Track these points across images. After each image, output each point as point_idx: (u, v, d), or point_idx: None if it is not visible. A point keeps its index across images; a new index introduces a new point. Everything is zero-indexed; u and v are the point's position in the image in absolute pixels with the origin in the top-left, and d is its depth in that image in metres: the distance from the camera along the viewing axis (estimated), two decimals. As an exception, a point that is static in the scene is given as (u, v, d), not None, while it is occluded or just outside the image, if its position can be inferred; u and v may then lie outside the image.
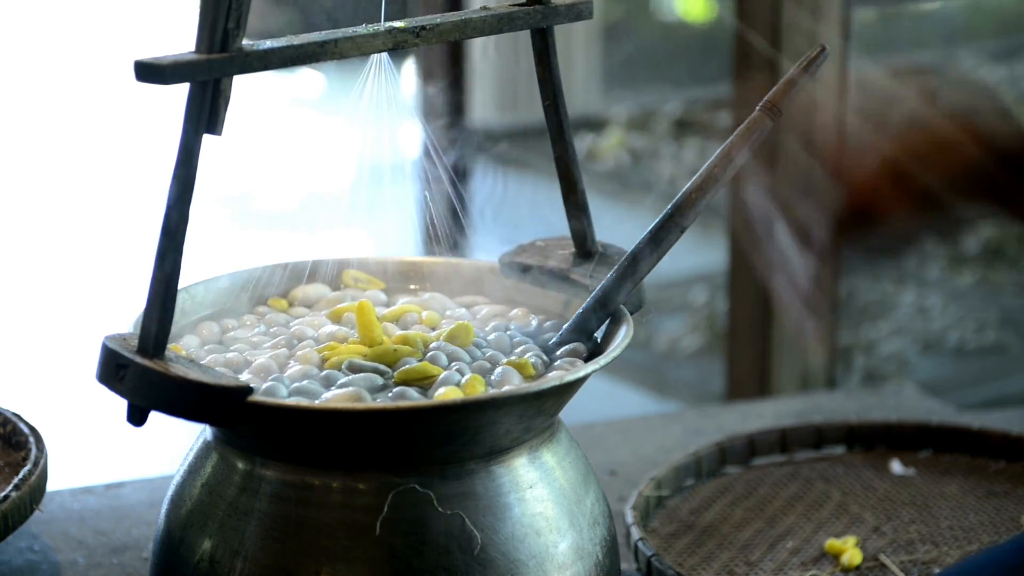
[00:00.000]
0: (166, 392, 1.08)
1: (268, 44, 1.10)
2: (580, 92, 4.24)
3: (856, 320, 3.64)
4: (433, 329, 1.26)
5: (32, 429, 1.45)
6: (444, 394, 1.14)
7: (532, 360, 1.19)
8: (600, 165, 3.84)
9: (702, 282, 3.78)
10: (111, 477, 1.65)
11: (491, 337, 1.24)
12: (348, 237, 1.34)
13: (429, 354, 1.20)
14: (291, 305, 1.32)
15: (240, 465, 1.15)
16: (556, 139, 1.29)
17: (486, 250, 1.34)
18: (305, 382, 1.16)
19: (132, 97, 5.65)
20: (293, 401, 1.13)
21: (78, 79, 6.50)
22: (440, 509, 1.11)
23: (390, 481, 1.11)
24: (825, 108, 1.12)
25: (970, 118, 1.15)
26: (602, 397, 3.22)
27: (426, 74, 3.43)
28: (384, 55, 1.20)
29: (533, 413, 1.14)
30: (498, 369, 1.18)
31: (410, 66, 3.62)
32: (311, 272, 1.34)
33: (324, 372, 1.18)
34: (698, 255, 3.66)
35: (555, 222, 1.33)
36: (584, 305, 1.23)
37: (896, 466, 1.61)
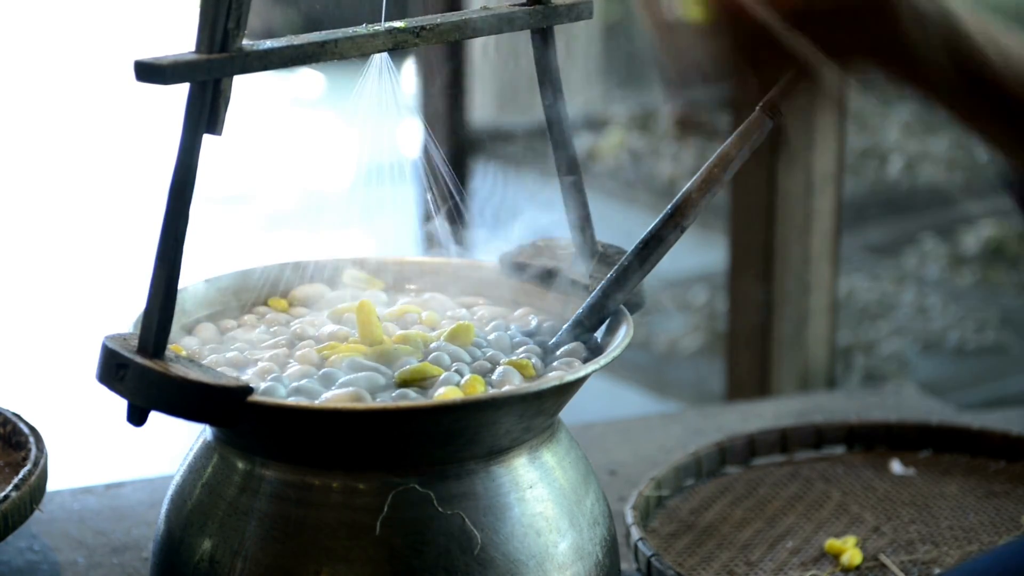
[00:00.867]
0: (166, 392, 1.08)
1: (268, 44, 1.10)
2: (580, 92, 4.24)
3: (856, 320, 3.64)
4: (433, 329, 1.26)
5: (32, 429, 1.45)
6: (444, 394, 1.14)
7: (532, 360, 1.19)
8: (600, 165, 3.83)
9: (702, 282, 3.78)
10: (111, 477, 1.65)
11: (491, 337, 1.24)
12: (348, 237, 1.34)
13: (431, 355, 1.20)
14: (291, 305, 1.32)
15: (240, 465, 1.15)
16: (556, 139, 1.29)
17: (486, 250, 1.34)
18: (305, 382, 1.16)
19: (132, 97, 5.66)
20: (293, 401, 1.13)
21: (78, 79, 6.50)
22: (440, 509, 1.11)
23: (390, 481, 1.11)
24: None
25: None
26: (602, 397, 3.22)
27: (426, 74, 3.43)
28: (384, 55, 1.20)
29: (533, 413, 1.14)
30: (498, 369, 1.18)
31: (410, 66, 3.62)
32: (311, 272, 1.34)
33: (324, 372, 1.18)
34: (698, 255, 3.66)
35: (555, 222, 1.33)
36: (584, 305, 1.23)
37: (896, 466, 1.61)
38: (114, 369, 1.09)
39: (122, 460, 3.30)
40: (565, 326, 1.24)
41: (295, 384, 1.16)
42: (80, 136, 5.83)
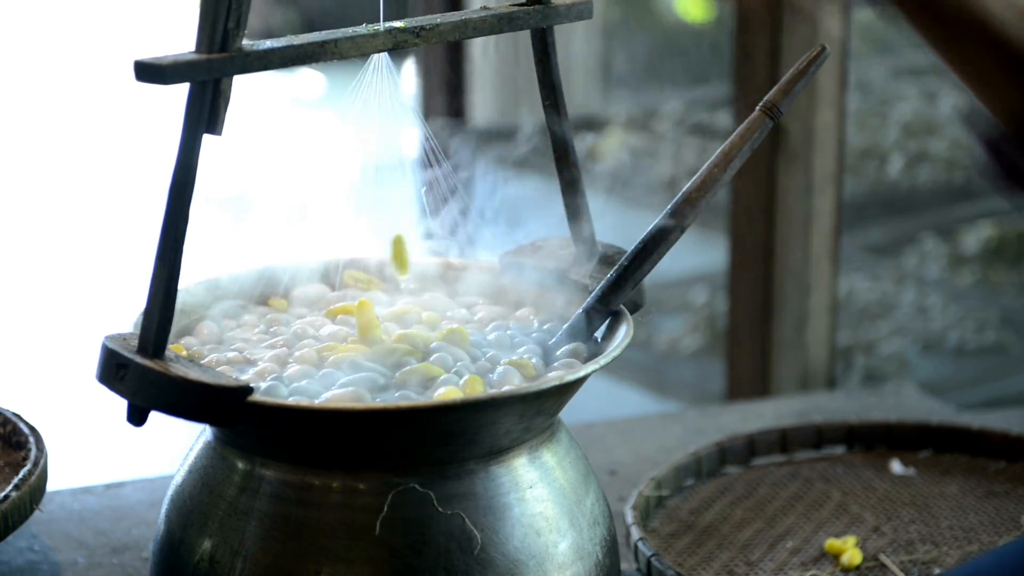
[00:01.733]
0: (166, 392, 1.08)
1: (268, 44, 1.10)
2: (580, 92, 4.25)
3: (856, 320, 3.64)
4: (433, 329, 1.26)
5: (32, 429, 1.45)
6: (444, 394, 1.14)
7: (532, 360, 1.19)
8: (600, 165, 3.84)
9: (702, 282, 3.78)
10: (111, 477, 1.65)
11: (491, 337, 1.24)
12: (348, 237, 1.34)
13: (433, 356, 1.20)
14: (291, 305, 1.32)
15: (240, 465, 1.15)
16: (556, 139, 1.29)
17: (486, 250, 1.34)
18: (305, 382, 1.16)
19: (132, 97, 5.65)
20: (293, 401, 1.13)
21: (78, 79, 6.50)
22: (440, 509, 1.11)
23: (390, 481, 1.11)
24: None
25: None
26: (602, 397, 3.22)
27: (426, 74, 3.43)
28: (384, 55, 1.20)
29: (533, 413, 1.14)
30: (498, 369, 1.18)
31: (410, 66, 3.62)
32: (311, 272, 1.34)
33: (324, 372, 1.18)
34: (698, 255, 3.66)
35: (555, 222, 1.33)
36: (584, 305, 1.23)
37: (896, 466, 1.61)
38: (114, 369, 1.09)
39: (122, 460, 3.30)
40: (565, 326, 1.24)
41: (295, 384, 1.16)
42: (80, 136, 5.83)
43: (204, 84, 1.06)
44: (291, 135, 5.88)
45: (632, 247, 1.22)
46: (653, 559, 1.36)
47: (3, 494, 1.33)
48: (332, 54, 1.14)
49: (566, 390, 1.15)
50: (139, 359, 1.08)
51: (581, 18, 1.29)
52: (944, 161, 4.02)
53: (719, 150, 1.21)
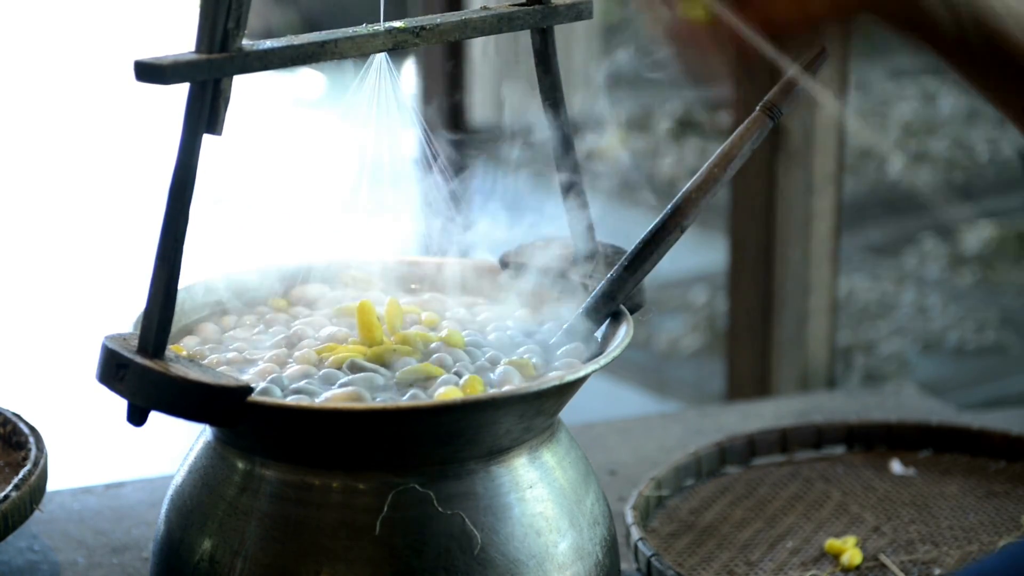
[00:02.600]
0: (166, 392, 1.08)
1: (268, 44, 1.10)
2: (580, 92, 4.24)
3: (856, 320, 3.64)
4: (433, 329, 1.26)
5: (32, 429, 1.45)
6: (444, 394, 1.14)
7: (532, 360, 1.19)
8: (600, 165, 3.84)
9: (702, 282, 3.78)
10: (111, 477, 1.65)
11: (491, 337, 1.24)
12: (348, 237, 1.34)
13: (432, 355, 1.20)
14: (291, 305, 1.32)
15: (240, 465, 1.15)
16: (556, 139, 1.29)
17: (486, 250, 1.34)
18: (304, 382, 1.16)
19: (132, 97, 5.65)
20: (293, 401, 1.13)
21: (78, 79, 6.50)
22: (440, 509, 1.11)
23: (390, 481, 1.11)
24: None
25: None
26: (602, 397, 3.22)
27: (426, 74, 3.43)
28: (384, 55, 1.20)
29: (533, 413, 1.14)
30: (498, 369, 1.18)
31: (410, 66, 3.62)
32: (311, 272, 1.34)
33: (324, 372, 1.18)
34: (698, 255, 3.66)
35: (555, 222, 1.33)
36: (584, 305, 1.23)
37: (896, 466, 1.61)
38: (114, 369, 1.09)
39: (122, 460, 3.30)
40: (565, 326, 1.24)
41: (295, 384, 1.16)
42: (80, 136, 5.83)
43: (204, 84, 1.06)
44: (291, 135, 5.88)
45: (632, 247, 1.22)
46: (653, 559, 1.36)
47: (3, 494, 1.33)
48: (332, 54, 1.14)
49: (566, 390, 1.15)
50: (139, 359, 1.08)
51: (581, 18, 1.29)
52: (944, 161, 4.02)
53: (719, 150, 1.21)
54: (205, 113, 1.07)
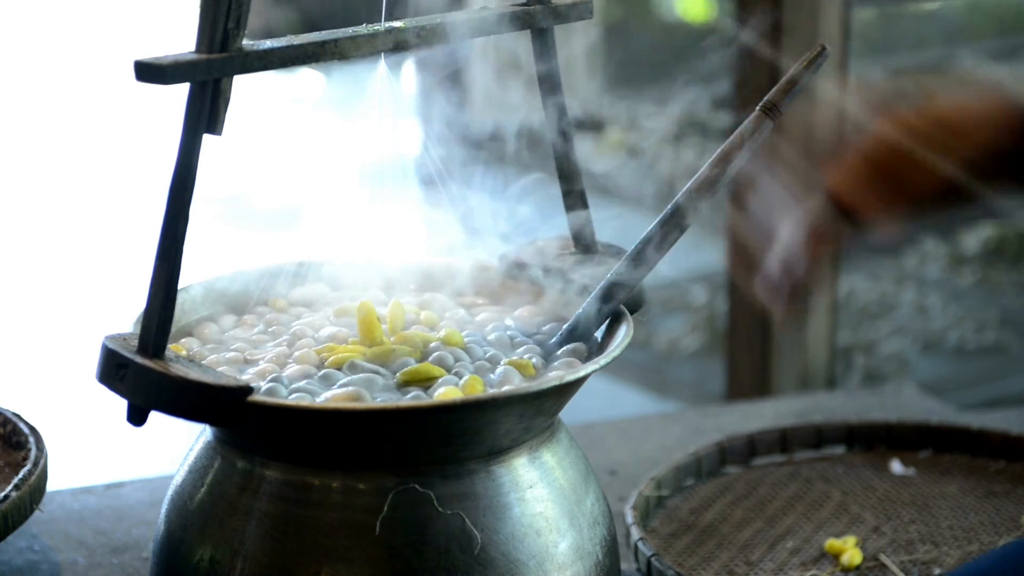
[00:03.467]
0: (166, 392, 1.08)
1: (268, 44, 1.10)
2: (580, 92, 4.24)
3: (856, 320, 3.64)
4: (432, 329, 1.26)
5: (32, 429, 1.45)
6: (444, 394, 1.14)
7: (532, 360, 1.19)
8: (600, 165, 3.84)
9: (702, 282, 3.78)
10: (111, 477, 1.65)
11: (491, 337, 1.24)
12: (348, 237, 1.34)
13: (432, 355, 1.20)
14: (291, 305, 1.32)
15: (240, 465, 1.15)
16: (556, 139, 1.29)
17: (486, 250, 1.34)
18: (304, 382, 1.16)
19: (132, 97, 5.65)
20: (293, 401, 1.13)
21: (78, 79, 6.50)
22: (440, 509, 1.11)
23: (390, 481, 1.11)
24: (821, 108, 1.11)
25: (979, 104, 1.12)
26: (602, 397, 3.22)
27: (426, 74, 3.43)
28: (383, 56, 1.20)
29: (533, 413, 1.14)
30: (498, 369, 1.18)
31: (410, 66, 3.62)
32: (311, 272, 1.34)
33: (323, 372, 1.18)
34: (698, 255, 3.66)
35: (555, 222, 1.33)
36: (584, 305, 1.23)
37: (896, 466, 1.61)
38: (114, 369, 1.09)
39: (122, 460, 3.30)
40: (565, 326, 1.24)
41: (295, 384, 1.16)
42: (80, 136, 5.83)
43: (204, 84, 1.06)
44: (291, 135, 5.89)
45: (632, 247, 1.22)
46: (653, 559, 1.36)
47: (3, 494, 1.33)
48: (332, 54, 1.14)
49: (566, 390, 1.15)
50: (139, 359, 1.08)
51: (581, 18, 1.29)
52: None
53: (719, 150, 1.21)
54: (205, 113, 1.07)
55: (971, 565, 1.25)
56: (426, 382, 1.17)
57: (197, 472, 1.18)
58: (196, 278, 1.29)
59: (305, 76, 6.42)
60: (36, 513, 1.37)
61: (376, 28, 1.17)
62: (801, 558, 1.44)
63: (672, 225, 1.20)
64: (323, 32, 1.14)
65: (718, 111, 3.91)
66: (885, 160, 1.10)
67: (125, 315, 1.18)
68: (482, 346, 1.22)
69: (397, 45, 1.18)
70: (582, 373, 1.13)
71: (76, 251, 4.75)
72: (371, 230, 1.31)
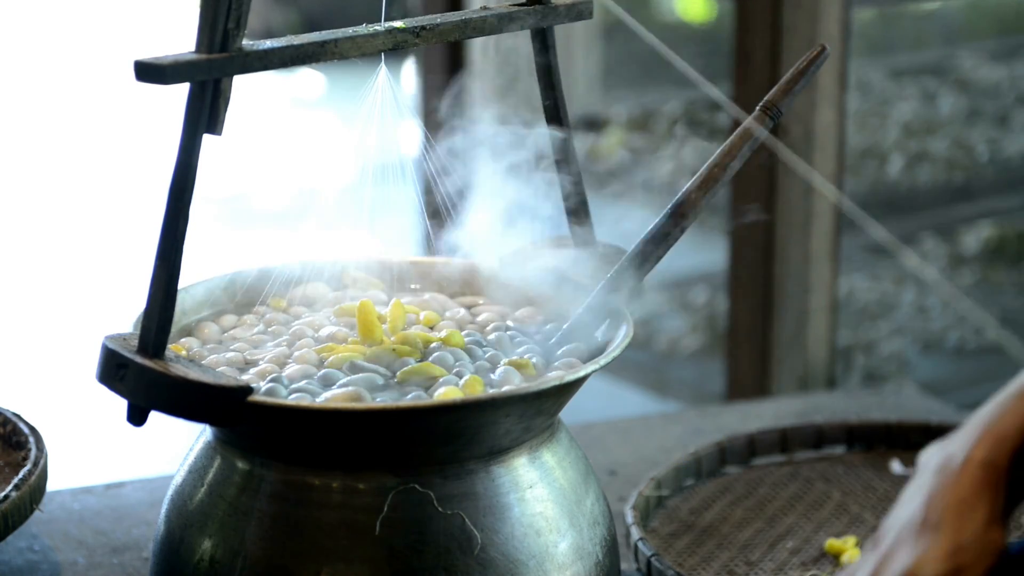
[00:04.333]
0: (166, 392, 1.08)
1: (268, 44, 1.10)
2: (580, 92, 4.24)
3: (856, 320, 3.64)
4: (432, 329, 1.26)
5: (32, 429, 1.45)
6: (444, 394, 1.14)
7: (532, 360, 1.19)
8: (600, 165, 3.83)
9: (702, 282, 3.77)
10: (111, 477, 1.65)
11: (491, 337, 1.24)
12: (348, 237, 1.34)
13: (432, 355, 1.20)
14: (291, 305, 1.32)
15: (240, 465, 1.15)
16: (556, 139, 1.29)
17: (486, 250, 1.34)
18: (304, 382, 1.16)
19: (132, 97, 5.65)
20: (293, 401, 1.13)
21: (78, 79, 6.50)
22: (440, 509, 1.11)
23: (390, 481, 1.11)
24: None
25: None
26: (602, 397, 3.22)
27: (426, 74, 3.43)
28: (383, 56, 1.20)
29: (533, 413, 1.14)
30: (498, 369, 1.18)
31: (410, 66, 3.62)
32: (311, 272, 1.34)
33: (323, 372, 1.18)
34: (698, 255, 3.66)
35: (555, 222, 1.33)
36: (584, 305, 1.23)
37: (896, 466, 1.61)
38: (114, 369, 1.09)
39: (122, 460, 3.30)
40: (565, 326, 1.24)
41: (295, 384, 1.16)
42: (80, 136, 5.83)
43: (204, 84, 1.06)
44: (291, 135, 5.89)
45: (632, 247, 1.22)
46: (653, 559, 1.36)
47: (3, 494, 1.33)
48: (332, 54, 1.14)
49: (566, 390, 1.15)
50: (139, 359, 1.08)
51: (581, 18, 1.29)
52: (944, 161, 4.02)
53: (719, 150, 1.21)
54: (205, 113, 1.07)
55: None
56: (426, 382, 1.17)
57: (197, 472, 1.18)
58: (196, 278, 1.29)
59: (305, 76, 6.42)
60: (36, 513, 1.37)
61: (376, 28, 1.17)
62: (801, 558, 1.44)
63: (672, 225, 1.20)
64: (323, 32, 1.14)
65: (718, 111, 3.91)
66: None
67: (125, 315, 1.18)
68: (482, 346, 1.22)
69: (397, 45, 1.18)
70: (582, 373, 1.13)
71: (76, 251, 4.75)
72: (371, 230, 1.31)
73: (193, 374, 1.08)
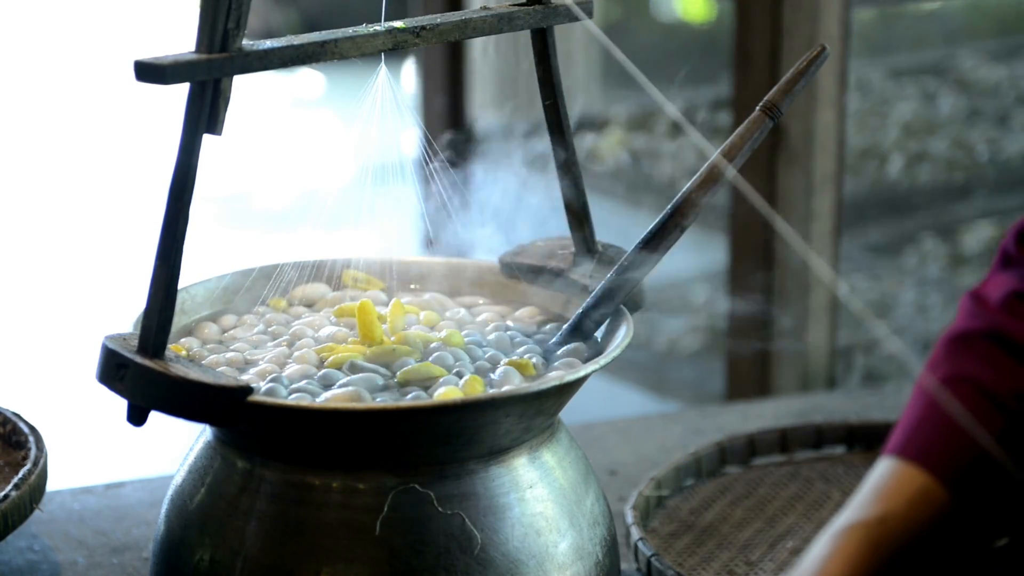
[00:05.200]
0: (166, 392, 1.08)
1: (268, 44, 1.10)
2: (580, 92, 4.24)
3: (856, 320, 3.64)
4: (432, 329, 1.26)
5: (32, 429, 1.45)
6: (444, 394, 1.14)
7: (532, 360, 1.19)
8: (600, 165, 3.83)
9: (702, 282, 3.77)
10: (111, 477, 1.64)
11: (491, 337, 1.24)
12: (348, 237, 1.34)
13: (432, 355, 1.20)
14: (291, 305, 1.32)
15: (240, 465, 1.15)
16: (556, 139, 1.29)
17: (486, 250, 1.34)
18: (304, 382, 1.16)
19: (132, 97, 5.65)
20: (293, 401, 1.13)
21: (78, 79, 6.50)
22: (440, 509, 1.11)
23: (390, 481, 1.11)
24: None
25: None
26: (602, 397, 3.22)
27: (426, 74, 3.43)
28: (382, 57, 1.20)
29: (533, 413, 1.14)
30: (498, 369, 1.18)
31: (410, 66, 3.62)
32: (311, 272, 1.34)
33: (323, 372, 1.18)
34: (698, 255, 3.66)
35: (555, 222, 1.33)
36: (584, 305, 1.23)
37: (896, 466, 1.60)
38: (114, 369, 1.09)
39: (122, 460, 3.30)
40: (565, 326, 1.24)
41: (295, 384, 1.16)
42: (80, 136, 5.83)
43: (204, 84, 1.06)
44: (291, 135, 5.88)
45: (632, 247, 1.22)
46: (653, 559, 1.36)
47: (3, 494, 1.33)
48: (332, 54, 1.14)
49: (566, 390, 1.15)
50: (139, 359, 1.08)
51: (581, 18, 1.29)
52: (944, 161, 4.02)
53: (719, 150, 1.21)
54: (205, 113, 1.07)
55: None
56: (426, 382, 1.17)
57: (197, 472, 1.18)
58: (196, 278, 1.29)
59: (305, 76, 6.42)
60: (36, 513, 1.37)
61: (376, 28, 1.17)
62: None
63: (672, 225, 1.20)
64: (323, 32, 1.14)
65: (718, 111, 3.91)
66: None
67: (125, 315, 1.18)
68: (482, 346, 1.22)
69: (397, 45, 1.18)
70: (582, 373, 1.13)
71: (76, 251, 4.75)
72: (371, 230, 1.31)
73: (193, 374, 1.08)
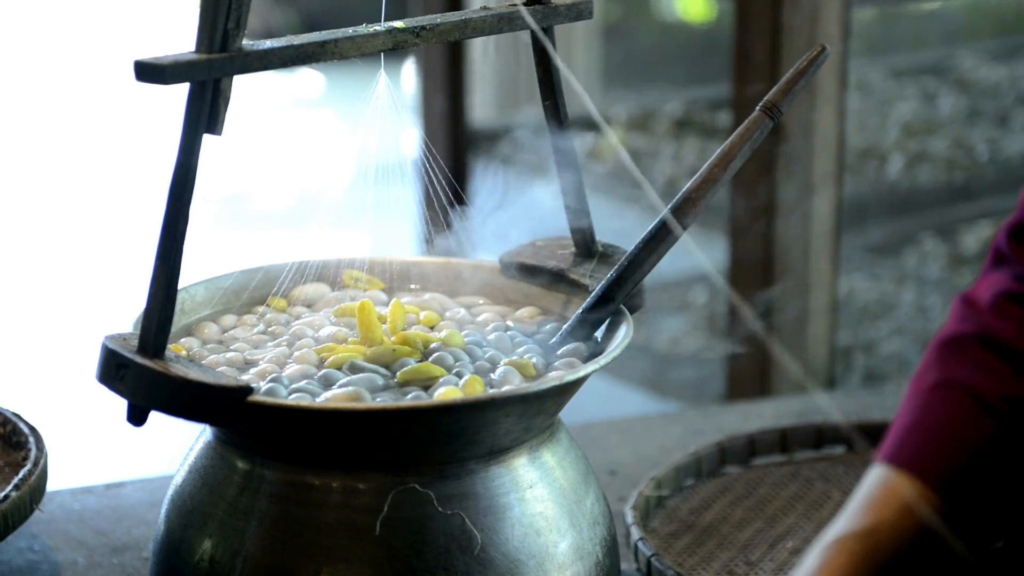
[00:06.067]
0: (166, 392, 1.08)
1: (268, 44, 1.10)
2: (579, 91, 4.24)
3: (856, 320, 3.64)
4: (432, 329, 1.26)
5: (32, 429, 1.45)
6: (444, 394, 1.14)
7: (532, 360, 1.19)
8: (600, 165, 3.83)
9: (702, 282, 3.77)
10: (111, 477, 1.65)
11: (491, 337, 1.24)
12: (348, 237, 1.34)
13: (432, 355, 1.20)
14: (291, 305, 1.32)
15: (240, 465, 1.15)
16: (555, 138, 1.29)
17: (486, 250, 1.34)
18: (304, 382, 1.16)
19: (132, 97, 5.65)
20: (293, 401, 1.13)
21: (78, 79, 6.50)
22: (440, 509, 1.11)
23: (390, 481, 1.11)
24: None
25: None
26: (602, 397, 3.22)
27: (426, 74, 3.43)
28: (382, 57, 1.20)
29: (533, 413, 1.14)
30: (498, 369, 1.18)
31: (410, 66, 3.62)
32: (311, 272, 1.34)
33: (323, 372, 1.18)
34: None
35: (555, 222, 1.33)
36: (584, 305, 1.23)
37: (896, 466, 1.60)
38: (114, 369, 1.09)
39: (122, 460, 3.30)
40: (565, 326, 1.24)
41: (295, 384, 1.16)
42: (80, 136, 5.83)
43: (204, 84, 1.06)
44: (291, 135, 5.89)
45: (632, 247, 1.22)
46: (653, 559, 1.36)
47: (3, 494, 1.33)
48: (332, 54, 1.14)
49: (566, 390, 1.15)
50: (139, 359, 1.08)
51: (581, 18, 1.29)
52: (944, 161, 4.02)
53: (719, 150, 1.21)
54: (205, 113, 1.07)
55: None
56: (426, 382, 1.17)
57: (197, 472, 1.18)
58: (196, 278, 1.29)
59: (305, 76, 6.42)
60: (36, 513, 1.37)
61: (376, 28, 1.17)
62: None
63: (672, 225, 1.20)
64: (323, 32, 1.14)
65: (718, 111, 3.91)
66: None
67: (125, 315, 1.18)
68: (482, 346, 1.22)
69: (397, 45, 1.18)
70: (582, 373, 1.13)
71: (76, 251, 4.75)
72: (371, 230, 1.31)
73: (193, 374, 1.08)
